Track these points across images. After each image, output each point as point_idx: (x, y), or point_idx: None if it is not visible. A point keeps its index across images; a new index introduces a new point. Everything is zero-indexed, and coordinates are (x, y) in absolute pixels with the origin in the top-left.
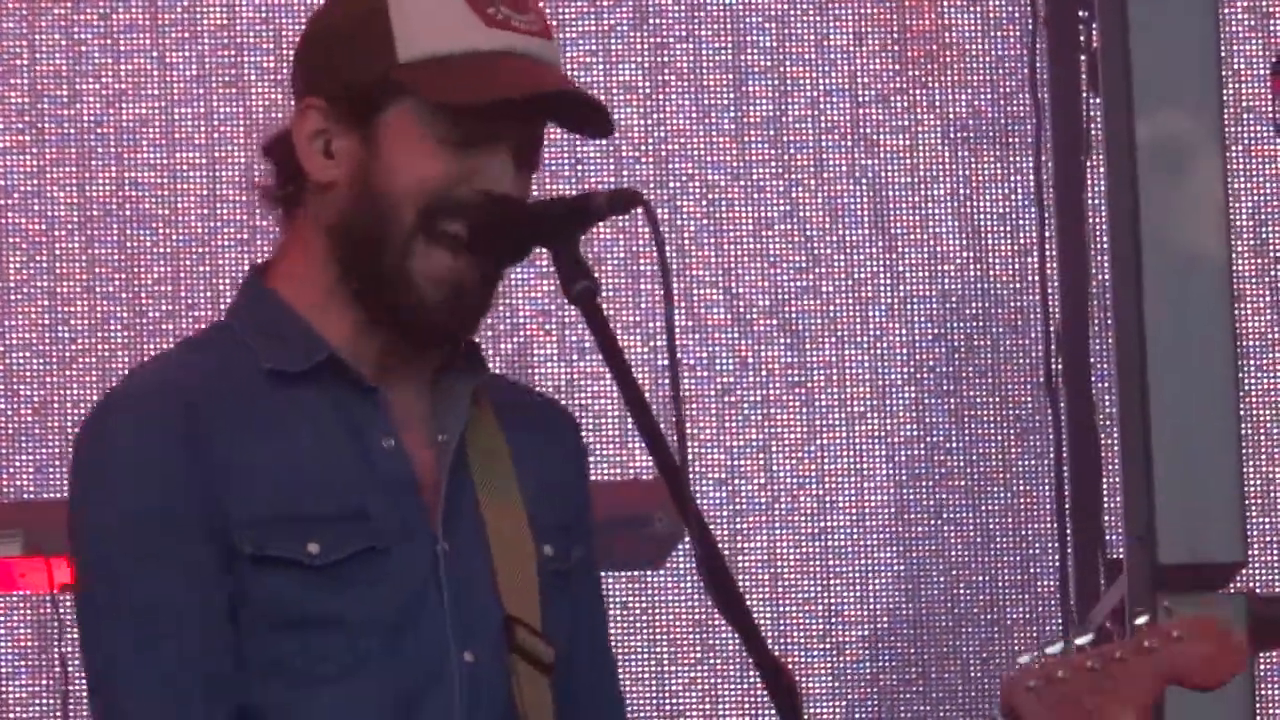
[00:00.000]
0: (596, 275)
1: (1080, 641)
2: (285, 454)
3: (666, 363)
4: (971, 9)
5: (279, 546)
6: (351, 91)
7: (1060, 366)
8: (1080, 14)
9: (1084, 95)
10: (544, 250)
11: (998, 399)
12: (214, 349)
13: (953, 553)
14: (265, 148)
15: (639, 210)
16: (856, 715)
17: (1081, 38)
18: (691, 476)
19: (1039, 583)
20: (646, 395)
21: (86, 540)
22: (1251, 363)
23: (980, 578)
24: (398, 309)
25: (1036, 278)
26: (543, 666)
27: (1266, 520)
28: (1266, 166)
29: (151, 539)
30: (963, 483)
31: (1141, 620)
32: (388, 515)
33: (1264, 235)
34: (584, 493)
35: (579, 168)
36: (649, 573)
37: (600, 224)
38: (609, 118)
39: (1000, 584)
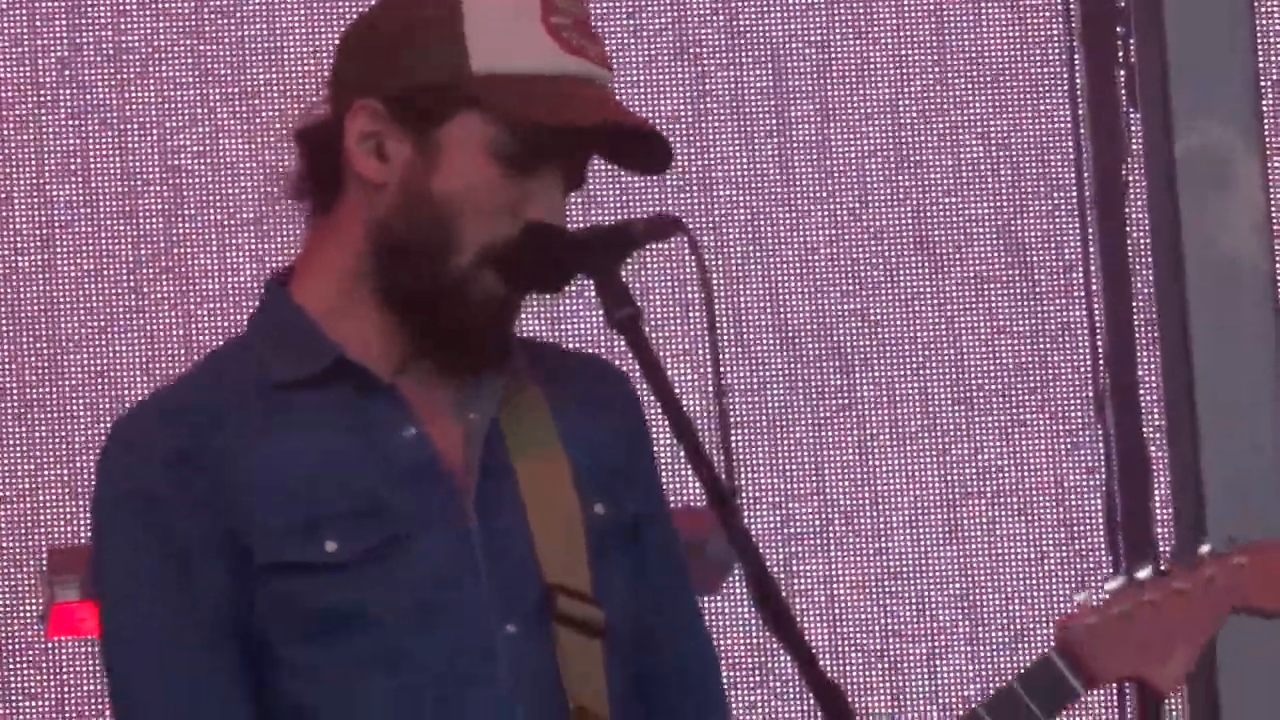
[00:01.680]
0: (644, 303)
1: (1140, 575)
2: (293, 460)
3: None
4: (1009, 27)
5: (296, 551)
6: (414, 96)
7: (1107, 381)
8: (1118, 29)
9: (1123, 110)
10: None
11: (1047, 416)
12: (224, 366)
13: (1007, 569)
14: (301, 134)
15: (682, 237)
16: None
17: (1120, 53)
18: (744, 501)
19: None
20: (698, 421)
21: (102, 596)
22: None
23: (1035, 594)
24: (436, 323)
25: (1081, 293)
26: (591, 631)
27: None
28: None
29: (152, 584)
30: (1015, 500)
31: (1205, 549)
32: (409, 504)
33: None
34: (641, 441)
35: (623, 195)
36: (705, 600)
37: (646, 250)
38: (670, 154)
39: (1056, 599)
